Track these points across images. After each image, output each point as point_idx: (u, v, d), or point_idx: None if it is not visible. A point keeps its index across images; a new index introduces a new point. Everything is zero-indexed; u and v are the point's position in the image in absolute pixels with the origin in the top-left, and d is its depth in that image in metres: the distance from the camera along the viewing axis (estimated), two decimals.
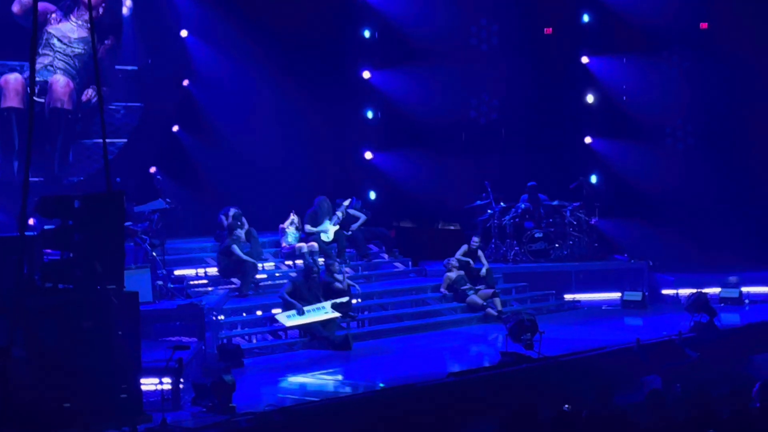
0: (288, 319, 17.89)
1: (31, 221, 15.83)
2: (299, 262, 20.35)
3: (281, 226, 21.17)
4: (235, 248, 19.35)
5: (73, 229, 11.62)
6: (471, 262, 20.96)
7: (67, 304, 11.34)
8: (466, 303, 20.19)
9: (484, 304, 19.96)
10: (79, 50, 21.14)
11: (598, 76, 24.79)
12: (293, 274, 19.62)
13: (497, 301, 20.11)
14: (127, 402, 11.40)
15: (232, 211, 20.10)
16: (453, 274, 20.59)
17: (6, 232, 16.29)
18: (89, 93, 21.01)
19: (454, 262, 20.81)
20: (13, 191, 18.17)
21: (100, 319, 11.34)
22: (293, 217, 21.19)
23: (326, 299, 18.35)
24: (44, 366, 10.97)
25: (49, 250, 12.09)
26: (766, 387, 11.10)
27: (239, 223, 19.95)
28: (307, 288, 18.34)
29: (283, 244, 21.07)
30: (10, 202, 17.82)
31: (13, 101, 20.23)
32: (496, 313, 19.68)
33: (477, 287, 20.42)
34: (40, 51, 20.45)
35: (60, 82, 20.73)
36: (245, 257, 19.34)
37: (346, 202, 22.03)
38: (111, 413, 11.31)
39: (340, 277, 18.87)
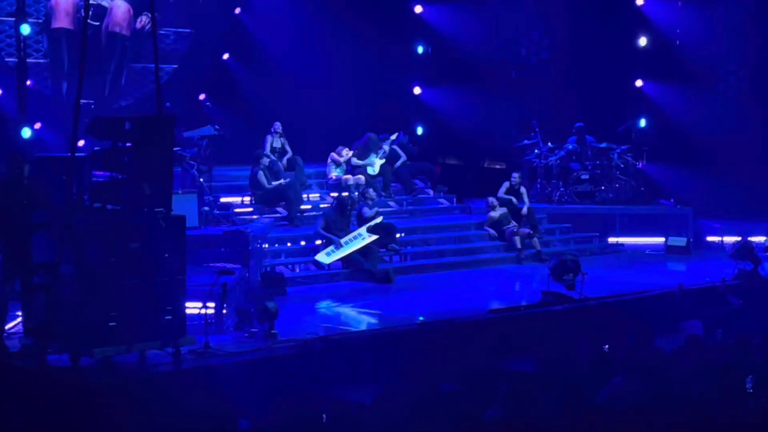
0: (328, 256, 17.94)
1: (81, 142, 15.91)
2: (345, 194, 20.38)
3: (334, 155, 21.05)
4: (261, 176, 19.35)
5: (123, 150, 11.68)
6: (514, 200, 20.85)
7: (115, 224, 11.43)
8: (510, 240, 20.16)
9: (519, 248, 19.85)
10: None
11: (652, 18, 24.45)
12: (325, 207, 19.63)
13: (536, 241, 20.03)
14: (172, 323, 11.51)
15: (277, 126, 20.24)
16: (496, 213, 20.53)
17: (57, 152, 16.41)
18: (143, 20, 20.99)
19: (494, 200, 20.71)
20: (64, 112, 18.26)
21: (147, 240, 11.42)
22: (349, 153, 21.10)
23: (360, 225, 18.38)
24: (91, 284, 11.08)
25: (98, 171, 12.14)
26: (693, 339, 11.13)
27: (277, 146, 19.97)
28: (340, 219, 18.35)
29: (331, 175, 21.06)
30: (60, 122, 17.91)
31: (63, 22, 20.24)
32: (530, 253, 19.62)
33: (521, 226, 20.35)
34: None
35: (122, 7, 20.73)
36: (270, 185, 19.30)
37: (393, 137, 22.02)
38: (155, 334, 11.44)
39: (371, 211, 18.81)
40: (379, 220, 18.62)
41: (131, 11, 20.87)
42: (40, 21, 20.35)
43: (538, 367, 11.26)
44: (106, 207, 11.64)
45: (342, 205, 18.61)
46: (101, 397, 10.70)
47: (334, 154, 21.11)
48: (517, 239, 19.93)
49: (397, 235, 19.15)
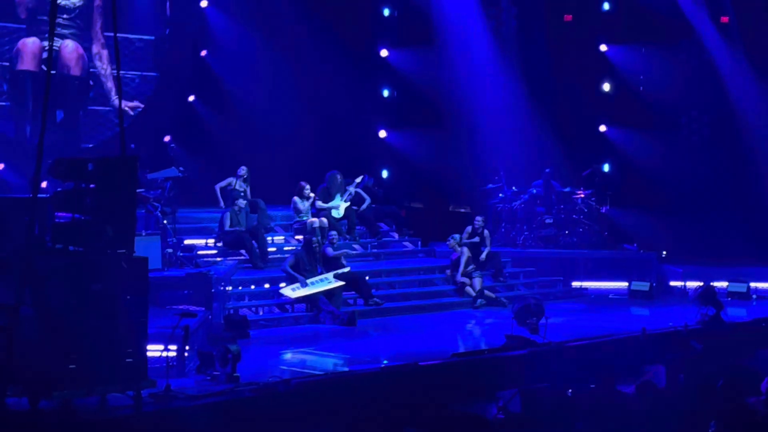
0: (293, 291, 17.94)
1: (44, 184, 15.86)
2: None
3: (296, 199, 21.00)
4: (226, 217, 19.33)
5: (85, 192, 11.62)
6: (477, 241, 20.78)
7: (76, 265, 11.33)
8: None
9: (474, 294, 19.82)
10: (79, 3, 21.09)
11: (616, 65, 24.75)
12: (297, 248, 19.64)
13: (477, 281, 19.98)
14: (132, 366, 11.40)
15: (243, 171, 20.20)
16: (462, 254, 20.48)
17: (19, 193, 16.34)
18: (104, 59, 21.02)
19: (452, 242, 20.59)
20: (26, 154, 18.22)
21: (109, 282, 11.32)
22: (311, 194, 21.06)
23: (326, 271, 18.37)
24: (51, 326, 10.97)
25: (60, 213, 12.07)
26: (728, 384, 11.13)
27: (241, 190, 19.96)
28: (308, 260, 18.36)
29: (299, 214, 20.97)
30: (23, 163, 17.86)
31: (29, 65, 20.27)
32: (474, 294, 19.65)
33: (483, 270, 20.38)
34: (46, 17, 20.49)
35: (69, 47, 20.75)
36: (232, 228, 19.29)
37: (358, 179, 22.05)
38: (116, 377, 11.32)
39: (334, 252, 18.80)
40: (346, 270, 18.60)
41: (79, 50, 20.85)
42: (3, 64, 20.33)
43: (501, 412, 11.26)
44: (67, 248, 11.55)
45: (309, 245, 18.61)
46: None
47: (296, 198, 20.93)
48: (469, 289, 19.88)
49: (366, 278, 19.15)
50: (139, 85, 22.10)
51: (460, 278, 20.06)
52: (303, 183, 20.98)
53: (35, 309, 11.03)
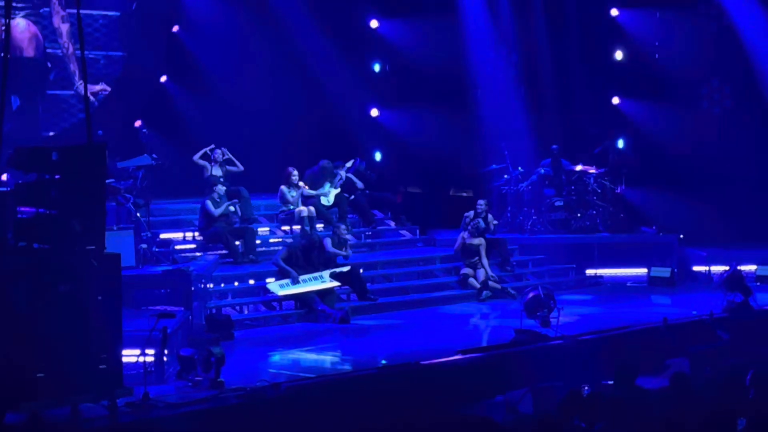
0: (281, 288, 17.94)
1: (3, 177, 15.83)
2: (297, 227, 20.40)
3: (283, 187, 20.96)
4: (209, 204, 19.35)
5: (50, 183, 11.61)
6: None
7: (42, 264, 11.33)
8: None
9: (478, 287, 19.87)
10: None
11: (629, 31, 24.73)
12: (290, 240, 19.66)
13: (481, 271, 19.99)
14: (106, 373, 11.40)
15: (218, 154, 20.23)
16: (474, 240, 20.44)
17: None
18: (64, 36, 20.97)
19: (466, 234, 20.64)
20: None
21: (78, 282, 11.32)
22: (300, 183, 21.03)
23: (325, 268, 18.37)
24: (16, 332, 10.98)
25: (23, 207, 12.07)
26: (759, 375, 11.16)
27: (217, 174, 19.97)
28: (304, 255, 18.36)
29: (287, 202, 20.95)
30: None
31: None
32: (477, 285, 19.71)
33: (489, 258, 20.41)
34: None
35: (20, 25, 20.64)
36: (219, 211, 19.34)
37: (349, 163, 22.05)
38: (88, 385, 11.33)
39: (346, 260, 18.86)
40: (345, 269, 18.60)
41: (32, 29, 20.77)
42: None
43: (511, 413, 11.29)
44: (32, 246, 11.54)
45: (311, 246, 18.58)
46: None
47: (283, 187, 20.90)
48: (473, 280, 19.91)
49: (360, 270, 19.18)
50: (105, 66, 22.06)
51: (464, 269, 20.10)
52: (291, 169, 20.93)
53: None
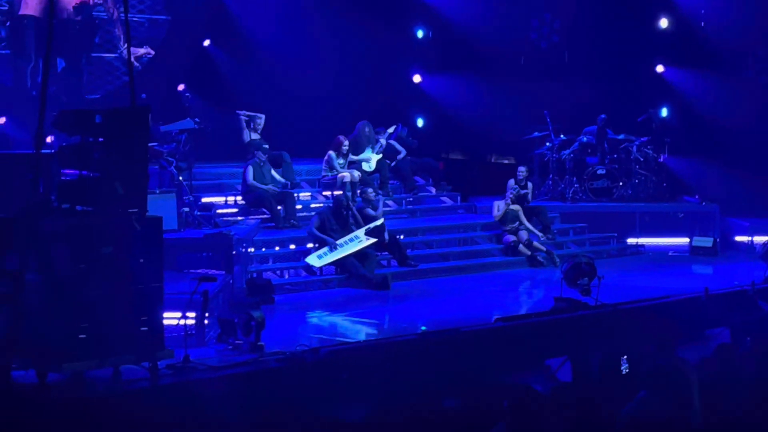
0: (319, 259, 17.92)
1: (49, 139, 15.90)
2: (339, 193, 20.38)
3: (331, 153, 20.94)
4: (249, 172, 19.35)
5: (93, 146, 11.63)
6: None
7: (84, 227, 11.36)
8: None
9: (530, 253, 19.80)
10: None
11: None
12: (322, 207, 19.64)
13: (523, 233, 19.96)
14: (148, 336, 11.45)
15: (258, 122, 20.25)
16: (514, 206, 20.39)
17: (22, 148, 16.40)
18: (109, 5, 21.01)
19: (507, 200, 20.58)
20: (28, 106, 18.26)
21: (121, 244, 11.35)
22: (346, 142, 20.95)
23: (359, 227, 18.34)
24: (58, 294, 11.04)
25: (67, 170, 12.11)
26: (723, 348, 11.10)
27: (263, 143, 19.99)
28: (336, 218, 18.32)
29: (324, 174, 20.96)
30: (25, 116, 17.90)
31: (32, 9, 20.28)
32: (528, 252, 19.67)
33: (531, 226, 20.36)
34: None
35: None
36: (261, 186, 19.34)
37: (391, 129, 22.01)
38: (130, 346, 11.37)
39: (376, 212, 18.80)
40: (380, 222, 18.59)
41: None
42: (2, 8, 20.36)
43: (550, 381, 11.26)
44: (75, 208, 11.57)
45: (339, 205, 18.57)
46: (71, 416, 10.66)
47: (332, 153, 20.83)
48: (523, 247, 19.85)
49: (400, 236, 19.13)
50: (149, 29, 22.06)
51: (508, 237, 20.02)
52: (341, 138, 20.90)
53: (41, 275, 11.10)
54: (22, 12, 20.29)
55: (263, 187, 19.47)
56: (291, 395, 12.00)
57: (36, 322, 11.05)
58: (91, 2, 21.03)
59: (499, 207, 20.47)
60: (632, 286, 17.54)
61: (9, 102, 19.79)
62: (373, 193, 19.50)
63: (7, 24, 20.54)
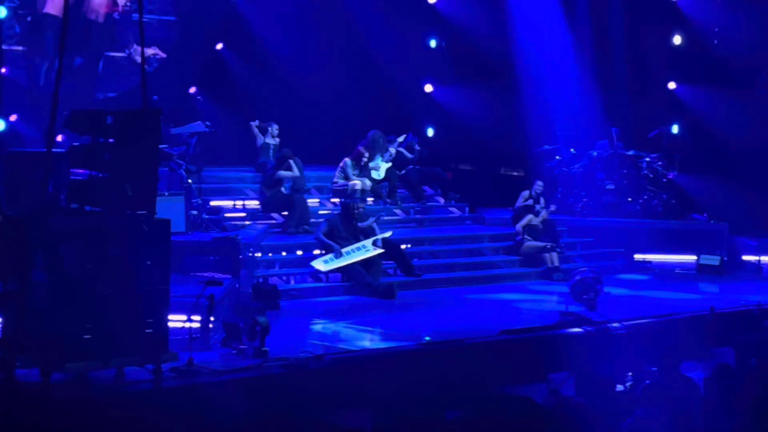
0: (325, 264, 17.95)
1: (60, 137, 15.96)
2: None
3: (348, 161, 20.97)
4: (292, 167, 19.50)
5: (104, 147, 11.68)
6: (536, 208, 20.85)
7: (93, 227, 11.42)
8: (521, 251, 20.17)
9: (555, 264, 19.83)
10: None
11: (689, 15, 24.46)
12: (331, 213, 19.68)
13: (554, 256, 20.00)
14: (152, 338, 11.50)
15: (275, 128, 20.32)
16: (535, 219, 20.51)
17: (33, 147, 16.45)
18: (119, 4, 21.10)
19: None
20: (40, 104, 18.34)
21: (128, 246, 11.41)
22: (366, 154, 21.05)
23: (366, 237, 18.38)
24: (65, 293, 11.09)
25: (77, 169, 12.16)
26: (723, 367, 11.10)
27: (290, 153, 20.06)
28: (345, 225, 18.35)
29: (335, 180, 20.99)
30: (38, 115, 17.97)
31: (53, 8, 20.35)
32: (551, 266, 19.70)
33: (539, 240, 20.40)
34: None
35: None
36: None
37: (401, 138, 22.06)
38: (134, 348, 11.42)
39: (363, 223, 18.81)
40: (388, 234, 18.62)
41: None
42: (14, 4, 20.42)
43: (553, 396, 11.26)
44: (83, 208, 11.63)
45: (347, 211, 18.59)
46: (74, 416, 10.69)
47: (349, 161, 20.88)
48: (548, 256, 19.89)
49: (403, 246, 19.17)
50: (157, 30, 22.10)
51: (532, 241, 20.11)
52: (362, 149, 20.97)
53: (48, 273, 11.14)
54: (46, 10, 20.36)
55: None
56: (294, 401, 12.04)
57: (42, 320, 11.11)
58: (120, 9, 21.12)
59: (524, 197, 20.67)
60: (638, 302, 17.55)
61: (21, 100, 19.84)
62: (362, 206, 19.44)
63: (28, 19, 20.60)
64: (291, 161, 19.90)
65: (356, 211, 18.59)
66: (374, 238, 18.36)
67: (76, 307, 11.10)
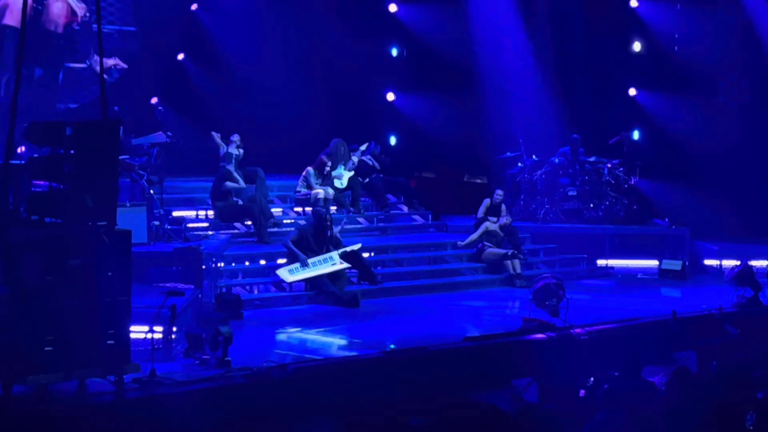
0: (290, 274, 17.92)
1: (20, 149, 15.87)
2: (310, 209, 20.39)
3: (311, 170, 20.97)
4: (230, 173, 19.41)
5: (63, 158, 11.62)
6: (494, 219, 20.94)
7: (53, 238, 11.36)
8: (483, 258, 20.23)
9: (517, 272, 19.88)
10: None
11: (648, 22, 24.62)
12: (302, 222, 19.66)
13: (516, 263, 20.05)
14: (114, 349, 11.44)
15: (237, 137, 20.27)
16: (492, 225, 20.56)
17: None
18: (83, 10, 20.97)
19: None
20: (2, 115, 18.22)
21: (89, 257, 11.34)
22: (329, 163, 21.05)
23: (335, 249, 18.36)
24: (25, 305, 11.01)
25: (37, 181, 12.10)
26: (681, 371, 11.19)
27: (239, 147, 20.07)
28: (314, 237, 18.34)
29: (298, 189, 20.97)
30: None
31: (12, 19, 20.23)
32: (513, 273, 19.76)
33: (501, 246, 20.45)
34: None
35: (57, 3, 20.69)
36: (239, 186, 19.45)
37: (363, 147, 22.06)
38: (96, 360, 11.36)
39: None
40: (357, 246, 18.61)
41: (68, 8, 20.80)
42: None
43: (516, 402, 11.31)
44: (44, 220, 11.56)
45: (320, 222, 18.54)
46: (36, 429, 10.63)
47: (312, 170, 20.89)
48: (509, 263, 19.94)
49: (366, 255, 19.18)
50: (118, 41, 22.01)
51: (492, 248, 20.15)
52: (325, 158, 21.01)
53: (8, 285, 11.07)
54: (4, 22, 20.24)
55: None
56: (258, 411, 12.01)
57: (1, 333, 11.02)
58: (79, 19, 21.01)
59: (486, 205, 20.83)
60: (600, 307, 17.63)
61: None
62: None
63: None
64: (236, 173, 19.86)
65: (328, 222, 18.56)
66: (342, 250, 18.33)
67: (37, 319, 11.03)
